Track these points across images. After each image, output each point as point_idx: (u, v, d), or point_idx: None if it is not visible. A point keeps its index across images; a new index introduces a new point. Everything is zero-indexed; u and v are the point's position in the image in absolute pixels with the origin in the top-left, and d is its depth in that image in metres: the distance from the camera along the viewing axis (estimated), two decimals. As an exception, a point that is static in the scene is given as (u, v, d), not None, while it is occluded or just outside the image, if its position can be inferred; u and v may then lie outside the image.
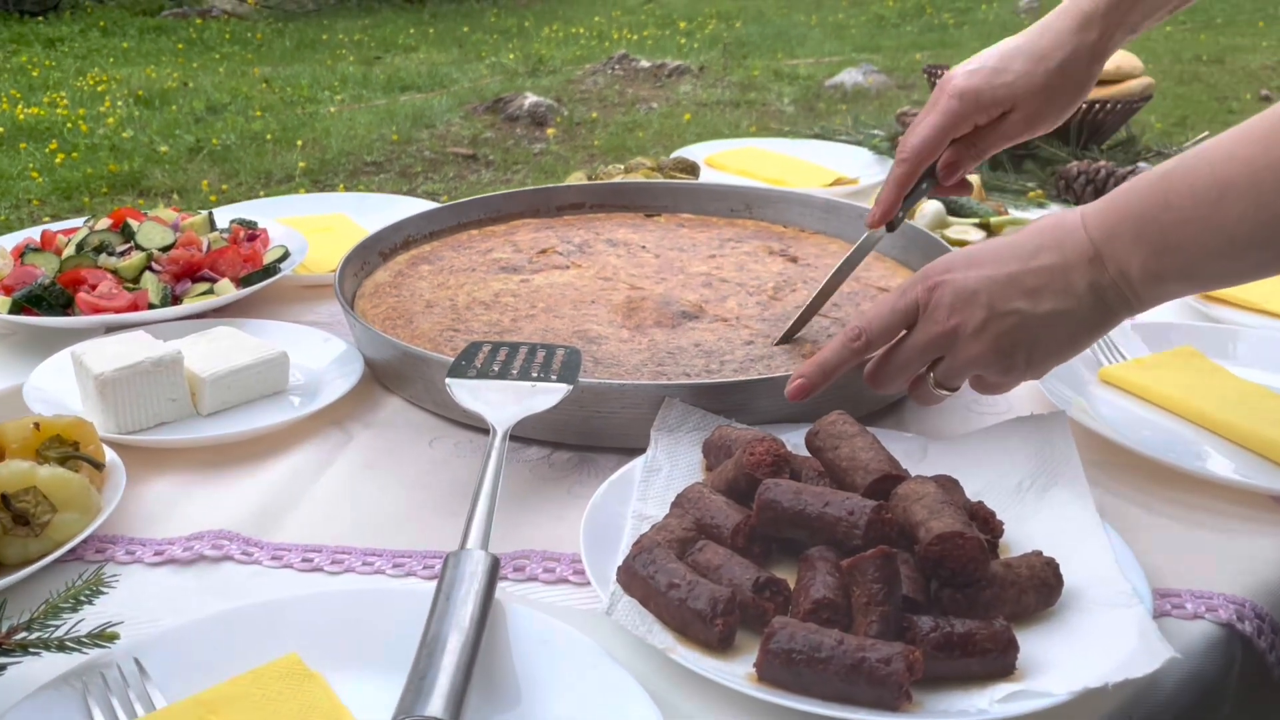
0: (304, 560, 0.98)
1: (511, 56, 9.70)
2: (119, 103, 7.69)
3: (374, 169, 6.36)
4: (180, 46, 10.27)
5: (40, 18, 11.56)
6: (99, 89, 8.15)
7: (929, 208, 1.81)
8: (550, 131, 7.13)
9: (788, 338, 1.33)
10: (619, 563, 0.94)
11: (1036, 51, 1.17)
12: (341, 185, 5.93)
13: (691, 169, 2.09)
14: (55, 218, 5.43)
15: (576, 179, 2.04)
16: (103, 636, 0.78)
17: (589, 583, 0.95)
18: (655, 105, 7.91)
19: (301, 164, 6.23)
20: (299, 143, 6.69)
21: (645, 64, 8.83)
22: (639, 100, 8.05)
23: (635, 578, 0.88)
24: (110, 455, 1.07)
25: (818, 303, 1.34)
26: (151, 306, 1.40)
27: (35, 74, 8.57)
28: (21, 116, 7.05)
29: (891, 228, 1.28)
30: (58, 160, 6.17)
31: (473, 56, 9.95)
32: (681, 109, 7.77)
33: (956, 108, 1.18)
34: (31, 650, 0.76)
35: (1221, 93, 8.28)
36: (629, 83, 8.54)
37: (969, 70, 1.19)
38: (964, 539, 0.86)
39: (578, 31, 11.23)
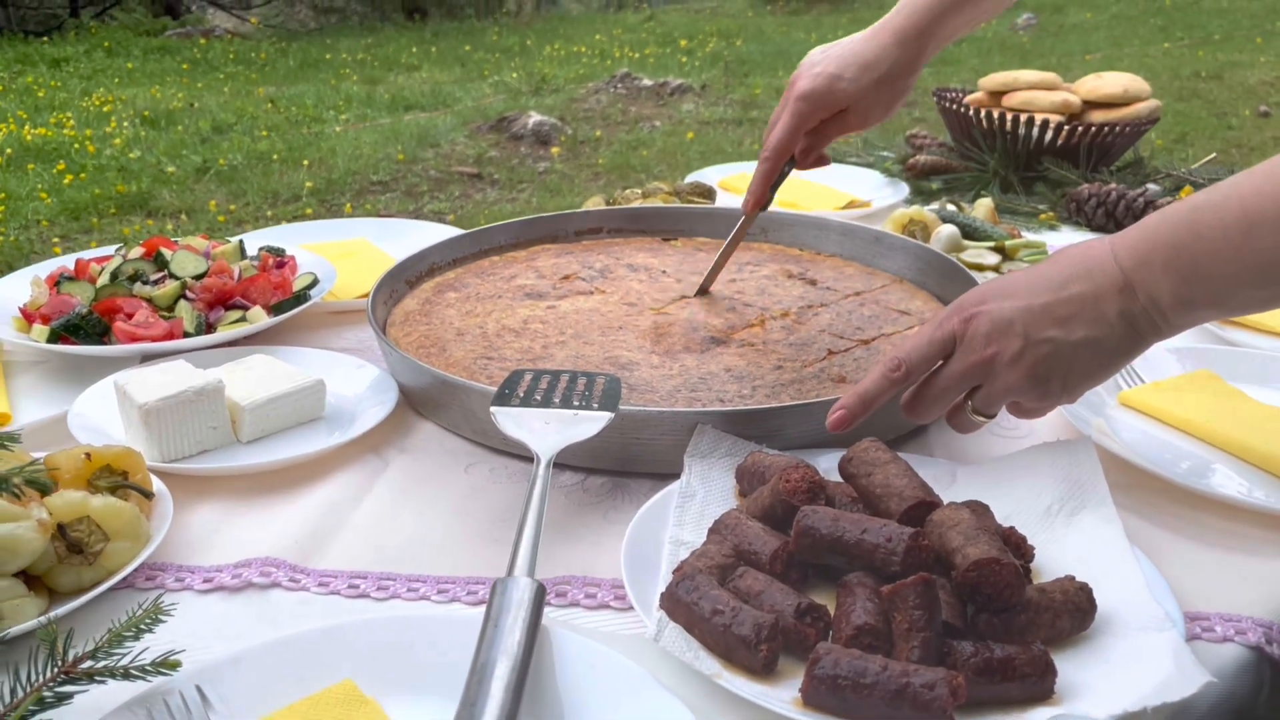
0: (350, 586, 1.01)
1: (514, 75, 9.76)
2: (125, 123, 7.74)
3: (380, 188, 6.39)
4: (185, 66, 10.33)
5: (45, 38, 11.63)
6: (105, 109, 8.20)
7: (944, 232, 1.83)
8: (555, 150, 7.18)
9: (703, 290, 1.60)
10: (659, 588, 0.96)
11: (865, 61, 1.38)
12: (349, 205, 5.96)
13: (708, 193, 2.12)
14: (64, 238, 5.46)
15: (594, 204, 2.06)
16: (166, 664, 0.80)
17: (630, 608, 0.98)
18: (658, 124, 7.96)
19: (309, 184, 6.26)
20: (305, 162, 6.73)
21: (648, 82, 8.89)
22: (642, 119, 8.10)
23: (679, 604, 0.90)
24: (157, 484, 1.09)
25: (720, 263, 1.61)
26: (186, 335, 1.42)
27: (41, 94, 8.63)
28: (29, 137, 7.09)
29: (763, 209, 1.57)
30: (66, 181, 6.20)
31: (475, 75, 10.01)
32: (684, 127, 7.82)
33: (804, 109, 1.41)
34: (98, 679, 0.78)
35: (1221, 109, 8.33)
36: (632, 101, 8.60)
37: (813, 74, 1.40)
38: (1000, 565, 0.88)
39: (579, 50, 11.30)
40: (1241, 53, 10.43)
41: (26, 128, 7.33)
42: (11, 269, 4.99)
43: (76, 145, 6.98)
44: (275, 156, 6.84)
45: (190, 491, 1.16)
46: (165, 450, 1.18)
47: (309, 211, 5.88)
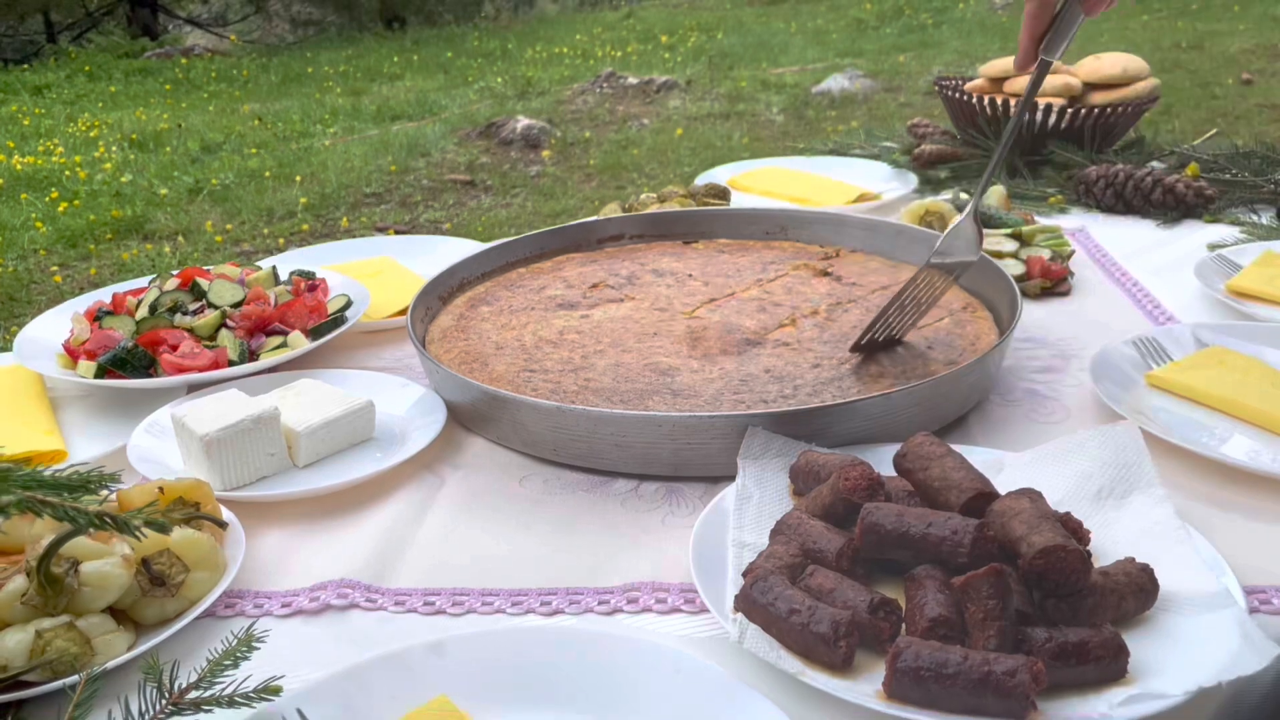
0: (425, 604, 1.03)
1: (499, 80, 9.76)
2: (113, 147, 7.73)
3: (374, 200, 6.40)
4: (168, 87, 10.31)
5: (25, 65, 11.59)
6: (91, 134, 8.19)
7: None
8: (545, 153, 7.19)
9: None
10: (729, 590, 0.99)
11: None
12: (344, 219, 5.97)
13: (723, 194, 2.15)
14: (63, 266, 5.46)
15: (611, 211, 2.09)
16: (269, 690, 0.82)
17: (702, 610, 1.00)
18: (646, 121, 7.98)
19: (303, 199, 6.26)
20: (297, 178, 6.73)
21: (633, 80, 8.90)
22: (630, 117, 8.11)
23: (755, 605, 0.93)
24: (226, 513, 1.11)
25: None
26: (231, 363, 1.44)
27: (26, 123, 8.61)
28: (19, 166, 7.08)
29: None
30: (60, 209, 6.19)
31: (459, 81, 10.01)
32: (673, 124, 7.84)
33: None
34: (204, 708, 0.80)
35: (1203, 79, 8.37)
36: (619, 100, 8.61)
37: None
38: (1066, 552, 0.91)
39: (561, 51, 11.30)
40: (1220, 21, 10.48)
41: (15, 157, 7.32)
42: (13, 300, 5.01)
43: (67, 172, 6.97)
44: (266, 173, 6.84)
45: (255, 518, 1.18)
46: (226, 479, 1.20)
47: (305, 227, 5.88)
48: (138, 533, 0.74)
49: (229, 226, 5.94)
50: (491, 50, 11.79)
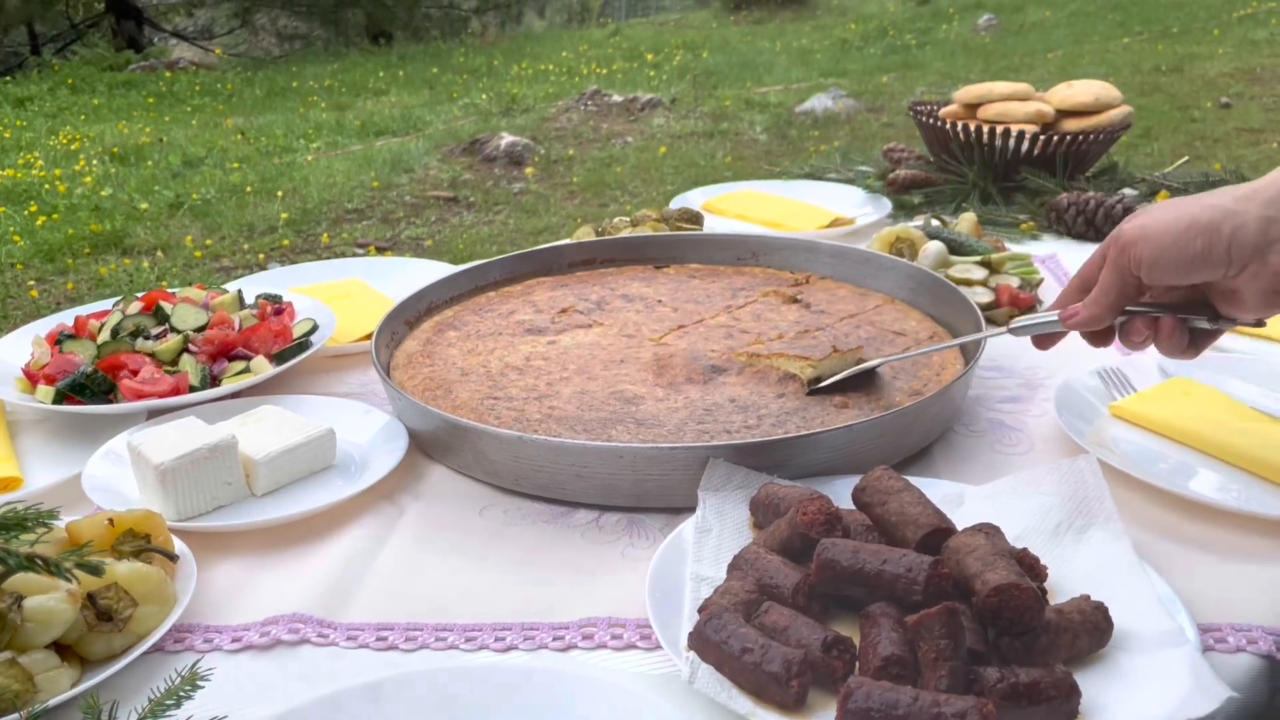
0: (378, 639, 1.02)
1: (484, 96, 9.78)
2: (94, 161, 7.70)
3: (356, 216, 6.39)
4: (151, 100, 10.29)
5: (8, 77, 11.55)
6: (73, 147, 8.16)
7: (931, 249, 1.86)
8: (529, 171, 7.20)
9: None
10: (685, 625, 0.98)
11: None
12: (325, 235, 5.95)
13: (696, 219, 2.15)
14: (40, 280, 5.43)
15: (584, 234, 2.08)
16: (209, 731, 0.81)
17: (656, 647, 0.99)
18: (630, 139, 8.00)
19: (284, 215, 6.25)
20: (279, 193, 6.72)
21: (617, 98, 8.93)
22: (614, 135, 8.13)
23: (708, 643, 0.92)
24: (179, 544, 1.10)
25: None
26: (193, 389, 1.43)
27: (7, 135, 8.57)
28: (-2, 179, 7.05)
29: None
30: (39, 223, 6.16)
31: (444, 97, 10.02)
32: (656, 142, 7.86)
33: None
34: (144, 749, 0.79)
35: (1182, 102, 8.45)
36: (603, 118, 8.63)
37: None
38: (1020, 589, 0.90)
39: (547, 68, 11.33)
40: (1200, 45, 10.58)
41: (-6, 170, 7.29)
42: (-12, 314, 4.97)
43: (47, 185, 6.94)
44: (248, 188, 6.82)
45: (210, 549, 1.16)
46: (182, 508, 1.19)
47: (286, 243, 5.87)
48: (68, 574, 0.73)
49: (209, 242, 5.91)
50: (477, 67, 11.82)
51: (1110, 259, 1.13)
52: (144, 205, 6.53)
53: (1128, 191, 2.38)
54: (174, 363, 1.47)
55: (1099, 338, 1.20)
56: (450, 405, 1.38)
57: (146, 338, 1.50)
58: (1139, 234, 1.09)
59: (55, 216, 6.30)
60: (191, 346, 1.49)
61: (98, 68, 12.22)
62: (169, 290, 1.65)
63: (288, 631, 1.02)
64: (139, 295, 1.62)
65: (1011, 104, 2.45)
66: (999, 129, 2.36)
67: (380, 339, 1.51)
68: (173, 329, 1.52)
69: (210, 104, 10.23)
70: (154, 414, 1.41)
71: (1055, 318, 1.20)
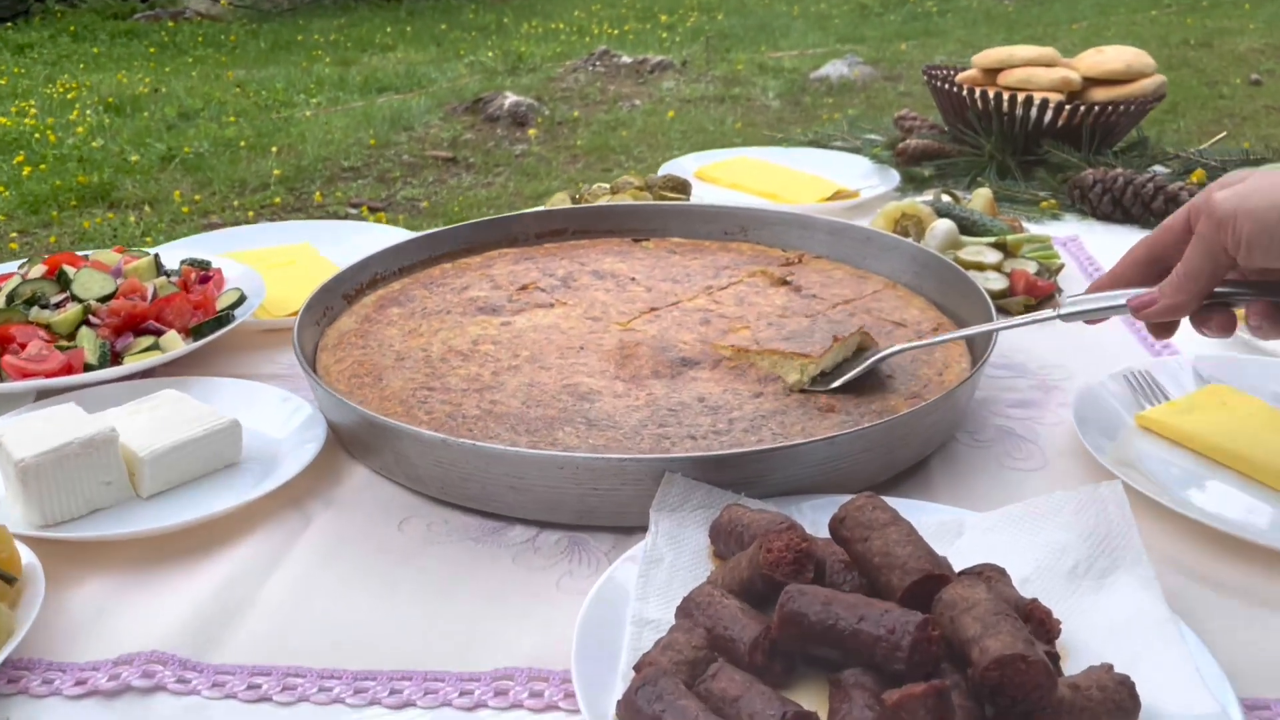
0: (249, 688, 0.84)
1: (490, 54, 9.53)
2: (89, 110, 7.50)
3: (351, 174, 6.19)
4: (152, 50, 10.07)
5: (10, 24, 11.32)
6: (69, 96, 7.95)
7: (940, 228, 1.67)
8: (531, 132, 6.98)
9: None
10: (618, 685, 0.81)
11: None
12: (319, 193, 5.76)
13: (682, 187, 1.96)
14: (22, 233, 5.25)
15: (559, 201, 1.90)
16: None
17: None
18: (638, 102, 7.76)
19: (276, 171, 6.05)
20: (274, 149, 6.51)
21: (627, 60, 8.68)
22: (621, 97, 7.89)
23: (640, 715, 0.74)
24: (28, 558, 0.93)
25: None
26: (89, 367, 1.25)
27: (3, 82, 8.37)
28: (-11, 127, 6.86)
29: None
30: (25, 173, 5.98)
31: (451, 55, 9.77)
32: (665, 106, 7.62)
33: None
34: None
35: (1211, 77, 8.17)
36: (611, 79, 8.38)
37: None
38: (1027, 663, 0.73)
39: (557, 27, 11.06)
40: (1230, 19, 10.26)
41: (-14, 118, 7.10)
42: (-35, 267, 4.81)
43: (37, 135, 6.74)
44: (243, 143, 6.62)
45: (76, 562, 0.99)
46: (48, 512, 1.02)
47: (277, 200, 5.68)
48: None
49: (198, 197, 5.73)
50: (487, 24, 11.54)
51: (1200, 235, 0.94)
52: (135, 158, 6.33)
53: (1159, 169, 2.18)
54: (71, 336, 1.29)
55: (1164, 328, 1.03)
56: (378, 397, 1.20)
57: (44, 306, 1.33)
58: (1238, 206, 0.91)
59: (43, 167, 6.11)
60: (93, 318, 1.31)
61: (102, 16, 11.96)
62: (81, 255, 1.47)
63: (141, 675, 0.85)
64: (45, 257, 1.44)
65: (1035, 70, 2.24)
66: (1020, 97, 2.15)
67: (308, 314, 1.33)
68: (74, 297, 1.34)
69: (213, 55, 9.98)
70: (43, 395, 1.24)
71: (1121, 301, 1.02)
